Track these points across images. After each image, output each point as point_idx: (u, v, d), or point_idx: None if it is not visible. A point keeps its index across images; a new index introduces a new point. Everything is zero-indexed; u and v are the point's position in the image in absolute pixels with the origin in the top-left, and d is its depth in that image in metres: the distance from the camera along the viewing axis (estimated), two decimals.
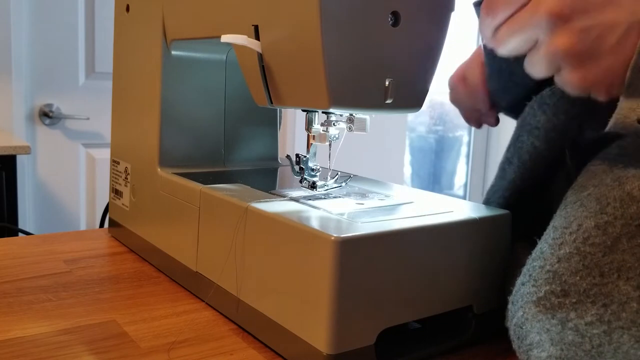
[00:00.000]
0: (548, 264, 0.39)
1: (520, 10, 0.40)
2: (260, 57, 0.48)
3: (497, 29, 0.42)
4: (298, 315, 0.43)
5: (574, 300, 0.37)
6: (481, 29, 0.43)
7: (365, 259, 0.41)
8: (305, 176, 0.55)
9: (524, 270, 0.42)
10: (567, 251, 0.39)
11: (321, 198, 0.52)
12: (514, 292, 0.42)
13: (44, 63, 1.97)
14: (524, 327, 0.39)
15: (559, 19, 0.38)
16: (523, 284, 0.41)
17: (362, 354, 0.42)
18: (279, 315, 0.45)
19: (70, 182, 2.09)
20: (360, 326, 0.42)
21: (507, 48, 0.42)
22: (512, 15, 0.40)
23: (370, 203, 0.51)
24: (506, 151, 0.53)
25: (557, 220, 0.41)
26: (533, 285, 0.40)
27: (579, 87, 0.39)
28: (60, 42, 1.99)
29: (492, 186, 0.56)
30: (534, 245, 0.43)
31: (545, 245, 0.41)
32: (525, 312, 0.39)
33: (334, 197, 0.53)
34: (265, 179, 0.65)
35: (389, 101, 0.46)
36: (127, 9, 0.69)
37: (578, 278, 0.38)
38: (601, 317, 0.36)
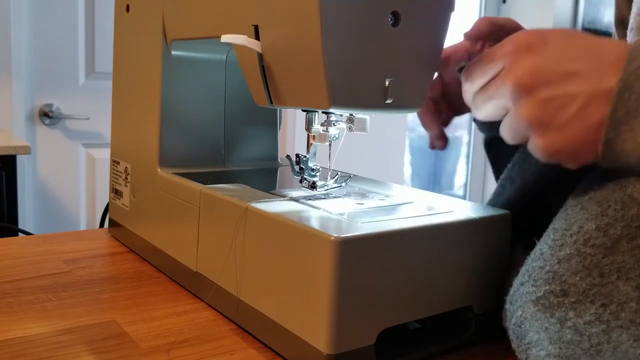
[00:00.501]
0: (548, 264, 0.40)
1: (493, 80, 0.43)
2: (260, 57, 0.48)
3: (474, 95, 0.45)
4: (298, 315, 0.43)
5: (573, 299, 0.37)
6: (463, 94, 0.46)
7: (365, 259, 0.41)
8: (305, 176, 0.55)
9: (523, 270, 0.42)
10: (568, 252, 0.39)
11: (321, 198, 0.52)
12: (511, 292, 0.42)
13: (44, 63, 1.97)
14: (522, 326, 0.39)
15: (523, 90, 0.40)
16: (522, 284, 0.41)
17: (362, 354, 0.42)
18: (279, 315, 0.45)
19: (70, 182, 2.09)
20: (360, 326, 0.42)
21: (482, 114, 0.44)
22: (486, 83, 0.43)
23: (370, 203, 0.51)
24: (509, 169, 0.53)
25: (558, 222, 0.42)
26: (532, 285, 0.40)
27: (545, 155, 0.41)
28: (60, 42, 1.99)
29: (490, 200, 0.56)
30: (530, 247, 0.43)
31: (545, 246, 0.41)
32: (524, 312, 0.39)
33: (334, 197, 0.53)
34: (265, 179, 0.65)
35: (389, 101, 0.46)
36: (127, 9, 0.69)
37: (578, 278, 0.38)
38: (600, 316, 0.36)
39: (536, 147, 0.41)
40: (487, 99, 0.43)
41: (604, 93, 0.38)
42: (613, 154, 0.38)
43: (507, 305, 0.42)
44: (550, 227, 0.42)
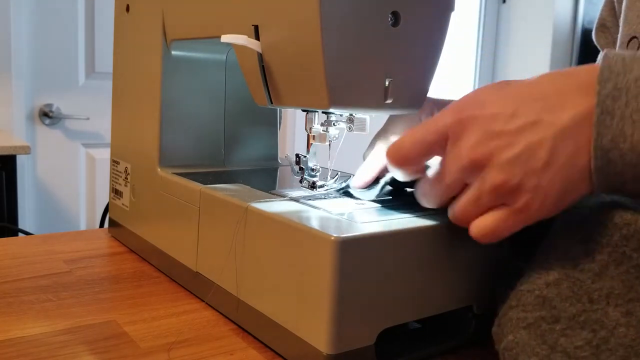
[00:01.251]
0: (537, 288, 0.40)
1: (441, 165, 0.41)
2: (260, 57, 0.48)
3: (428, 190, 0.43)
4: (298, 315, 0.43)
5: (564, 326, 0.38)
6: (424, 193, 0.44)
7: (365, 259, 0.41)
8: (305, 176, 0.55)
9: (512, 294, 0.42)
10: (557, 277, 0.39)
11: (321, 198, 0.52)
12: (500, 314, 0.42)
13: (44, 63, 1.97)
14: (513, 351, 0.40)
15: (482, 162, 0.38)
16: (511, 308, 0.41)
17: (362, 354, 0.42)
18: (279, 315, 0.45)
19: (70, 182, 2.09)
20: (360, 326, 0.42)
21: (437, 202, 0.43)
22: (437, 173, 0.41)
23: (370, 203, 0.51)
24: None
25: (544, 246, 0.42)
26: (522, 310, 0.40)
27: (528, 217, 0.39)
28: (60, 42, 1.99)
29: None
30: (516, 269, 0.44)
31: (532, 270, 0.41)
32: (515, 337, 0.40)
33: (334, 197, 0.53)
34: (265, 179, 0.65)
35: (389, 101, 0.46)
36: (127, 9, 0.69)
37: (568, 304, 0.38)
38: (590, 341, 0.37)
39: (515, 213, 0.39)
40: (446, 189, 0.41)
41: (564, 128, 0.37)
42: (605, 181, 0.37)
43: (496, 328, 0.42)
44: (538, 250, 0.42)
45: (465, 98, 0.41)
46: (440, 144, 0.41)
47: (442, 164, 0.41)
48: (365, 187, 0.52)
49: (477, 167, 0.39)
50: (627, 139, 0.35)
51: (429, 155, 0.42)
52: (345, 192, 0.53)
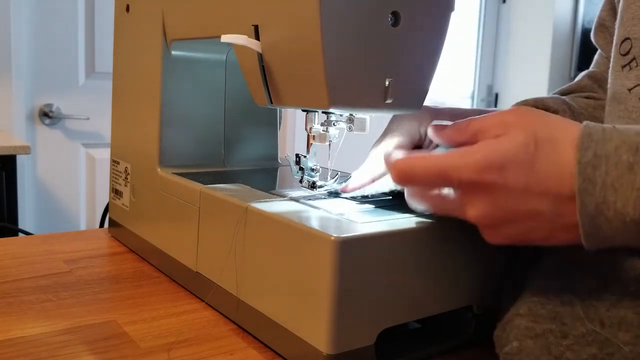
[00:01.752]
0: (551, 303, 0.41)
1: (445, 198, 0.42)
2: (260, 57, 0.48)
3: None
4: (298, 315, 0.43)
5: (571, 342, 0.38)
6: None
7: (365, 259, 0.41)
8: (305, 176, 0.55)
9: (521, 302, 0.42)
10: (572, 297, 0.40)
11: (321, 198, 0.52)
12: (504, 320, 0.43)
13: (44, 63, 1.97)
14: (516, 357, 0.40)
15: (484, 226, 0.40)
16: (519, 315, 0.42)
17: (362, 354, 0.42)
18: (279, 315, 0.45)
19: (70, 182, 2.09)
20: (360, 326, 0.42)
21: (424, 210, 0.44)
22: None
23: (370, 203, 0.51)
24: None
25: (559, 266, 0.43)
26: (532, 321, 0.41)
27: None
28: (60, 42, 1.99)
29: None
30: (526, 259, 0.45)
31: (548, 284, 0.42)
32: (520, 344, 0.40)
33: (334, 197, 0.53)
34: (265, 179, 0.65)
35: (389, 101, 0.46)
36: (127, 9, 0.69)
37: (579, 324, 0.39)
38: (595, 356, 0.37)
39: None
40: (437, 208, 0.43)
41: (564, 227, 0.38)
42: (596, 243, 0.37)
43: (499, 332, 0.43)
44: (552, 262, 0.43)
45: (492, 152, 0.38)
46: (448, 186, 0.42)
47: (442, 193, 0.42)
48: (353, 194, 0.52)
49: (476, 224, 0.41)
50: (611, 207, 0.35)
51: (432, 188, 0.43)
52: (337, 195, 0.54)
